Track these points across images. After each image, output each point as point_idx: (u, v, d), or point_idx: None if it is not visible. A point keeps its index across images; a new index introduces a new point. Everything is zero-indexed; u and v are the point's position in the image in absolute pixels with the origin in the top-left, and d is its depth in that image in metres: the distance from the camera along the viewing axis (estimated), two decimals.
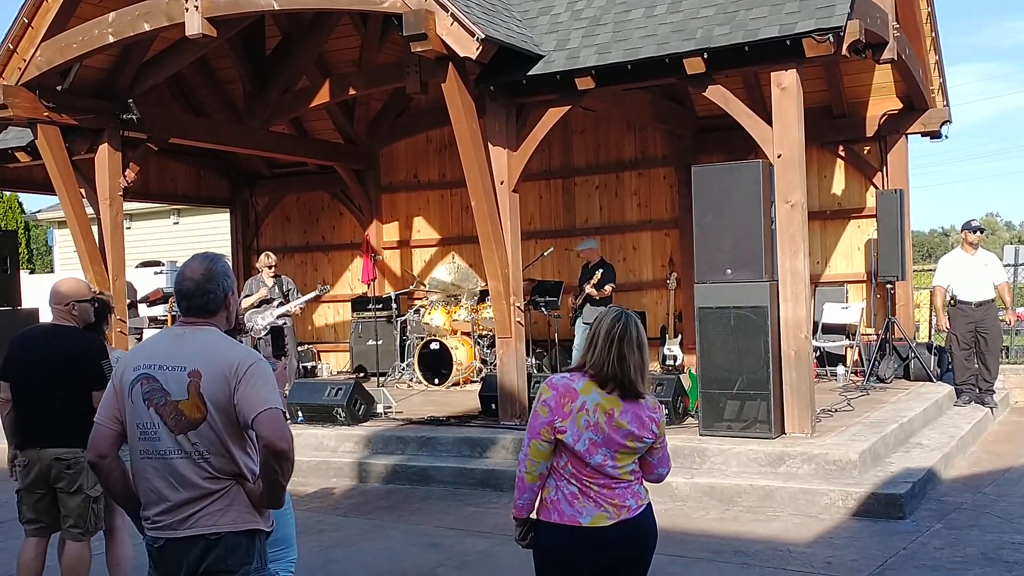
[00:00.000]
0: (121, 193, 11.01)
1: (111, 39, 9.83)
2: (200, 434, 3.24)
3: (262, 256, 12.10)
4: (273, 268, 11.82)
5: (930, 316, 14.94)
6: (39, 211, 28.50)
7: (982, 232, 11.01)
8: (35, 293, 14.62)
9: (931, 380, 11.37)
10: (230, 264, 3.56)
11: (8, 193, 27.38)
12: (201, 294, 3.38)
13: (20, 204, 29.49)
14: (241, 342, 3.70)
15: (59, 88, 10.47)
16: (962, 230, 11.10)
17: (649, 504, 3.63)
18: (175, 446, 3.26)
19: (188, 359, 3.28)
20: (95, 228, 11.05)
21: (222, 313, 3.44)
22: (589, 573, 3.52)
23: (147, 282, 16.65)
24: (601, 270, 11.75)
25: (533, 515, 3.62)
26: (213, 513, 3.27)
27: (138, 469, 3.34)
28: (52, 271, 26.99)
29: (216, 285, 3.40)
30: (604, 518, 3.48)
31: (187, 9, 9.31)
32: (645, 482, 3.67)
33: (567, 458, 3.50)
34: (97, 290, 5.90)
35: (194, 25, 9.34)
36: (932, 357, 11.64)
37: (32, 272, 25.68)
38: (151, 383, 3.28)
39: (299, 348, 13.92)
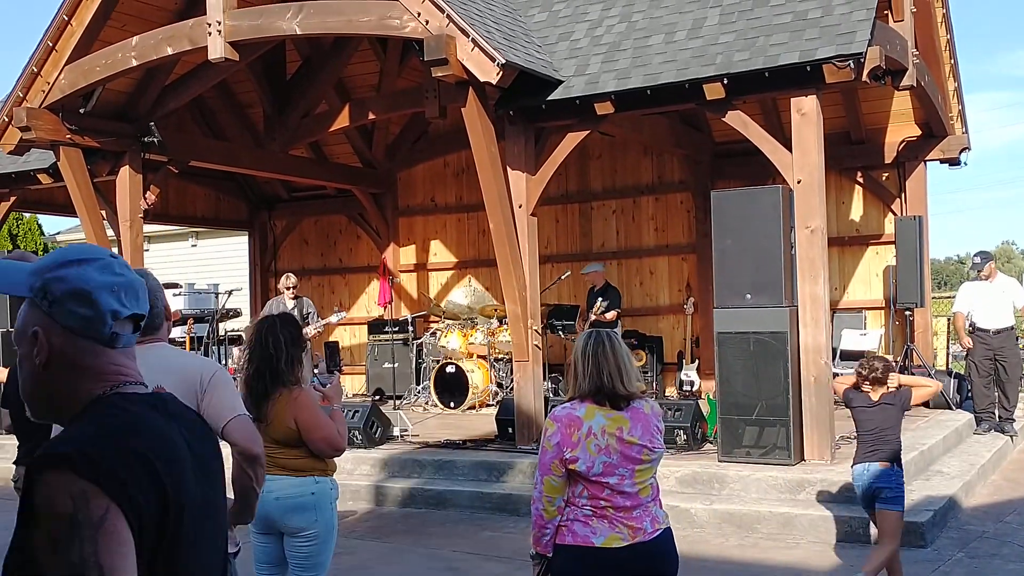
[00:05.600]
0: (141, 215, 11.09)
1: (134, 63, 9.94)
2: None
3: (283, 278, 12.18)
4: (293, 289, 11.87)
5: (948, 343, 14.90)
6: (58, 233, 28.68)
7: (980, 270, 10.83)
8: None
9: (951, 408, 11.29)
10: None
11: (28, 215, 27.56)
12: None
13: (40, 226, 29.68)
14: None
15: (82, 111, 10.58)
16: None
17: (668, 529, 3.59)
18: None
19: (149, 378, 3.25)
20: (115, 250, 11.11)
21: (164, 326, 3.42)
22: None
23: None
24: (602, 297, 11.72)
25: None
26: None
27: None
28: None
29: (156, 299, 3.35)
30: (618, 539, 3.44)
31: (210, 33, 9.42)
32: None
33: (583, 485, 3.48)
34: None
35: (217, 49, 9.44)
36: (952, 384, 11.56)
37: None
38: None
39: (315, 370, 13.92)
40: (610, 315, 11.53)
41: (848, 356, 12.10)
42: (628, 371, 3.53)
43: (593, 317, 11.48)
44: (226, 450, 3.27)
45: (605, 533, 3.44)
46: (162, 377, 3.20)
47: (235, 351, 12.95)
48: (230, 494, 3.34)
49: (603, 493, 3.45)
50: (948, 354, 15.14)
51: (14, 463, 5.42)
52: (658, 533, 3.52)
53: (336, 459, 4.47)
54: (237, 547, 3.41)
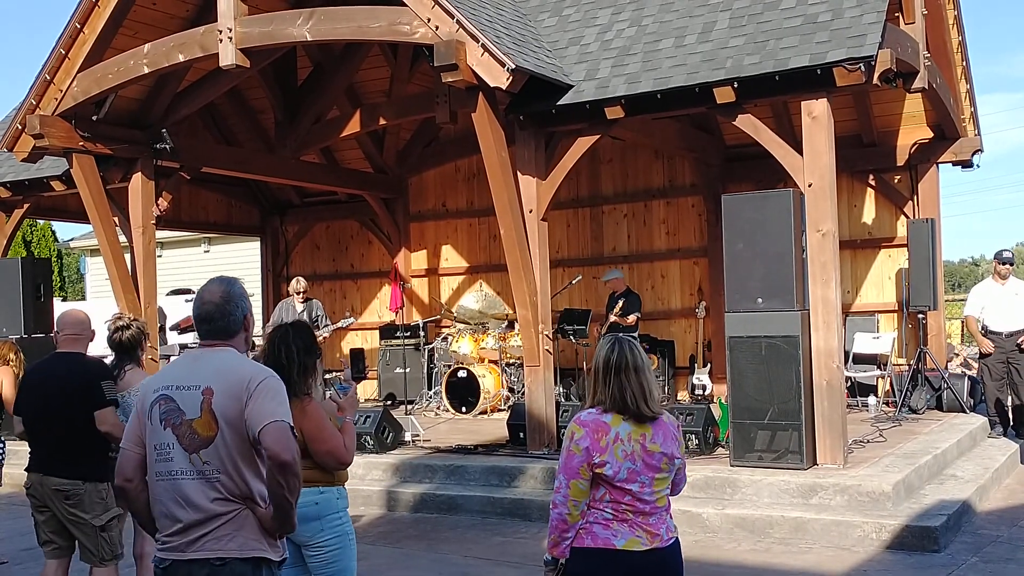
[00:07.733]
0: (154, 221, 11.13)
1: (146, 70, 9.98)
2: (211, 453, 3.25)
3: (292, 281, 12.22)
4: (303, 294, 11.90)
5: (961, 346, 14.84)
6: (71, 239, 28.83)
7: (1011, 264, 10.91)
8: None
9: (964, 411, 11.23)
10: (247, 288, 3.60)
11: (42, 222, 27.71)
12: (221, 316, 3.40)
13: (53, 232, 29.85)
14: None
15: (94, 118, 10.63)
16: (993, 259, 11.07)
17: (677, 540, 3.63)
18: (188, 466, 3.27)
19: (202, 378, 3.31)
20: (128, 256, 11.17)
21: (241, 335, 3.46)
22: None
23: (178, 309, 16.73)
24: (624, 299, 11.70)
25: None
26: (220, 537, 3.26)
27: (153, 490, 3.36)
28: (84, 299, 27.24)
29: (236, 307, 3.42)
30: (638, 543, 3.47)
31: (221, 40, 9.46)
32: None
33: (605, 489, 3.49)
34: (131, 317, 6.04)
35: (228, 56, 9.47)
36: (965, 387, 11.50)
37: (64, 300, 25.92)
38: (168, 404, 3.32)
39: (326, 375, 13.94)
40: (631, 319, 11.51)
41: (860, 359, 12.07)
42: (652, 391, 3.54)
43: (612, 318, 11.47)
44: None
45: (626, 536, 3.47)
46: (212, 378, 3.27)
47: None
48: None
49: (625, 499, 3.47)
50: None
51: (26, 470, 5.44)
52: (672, 541, 3.57)
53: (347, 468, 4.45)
54: (283, 556, 3.45)
